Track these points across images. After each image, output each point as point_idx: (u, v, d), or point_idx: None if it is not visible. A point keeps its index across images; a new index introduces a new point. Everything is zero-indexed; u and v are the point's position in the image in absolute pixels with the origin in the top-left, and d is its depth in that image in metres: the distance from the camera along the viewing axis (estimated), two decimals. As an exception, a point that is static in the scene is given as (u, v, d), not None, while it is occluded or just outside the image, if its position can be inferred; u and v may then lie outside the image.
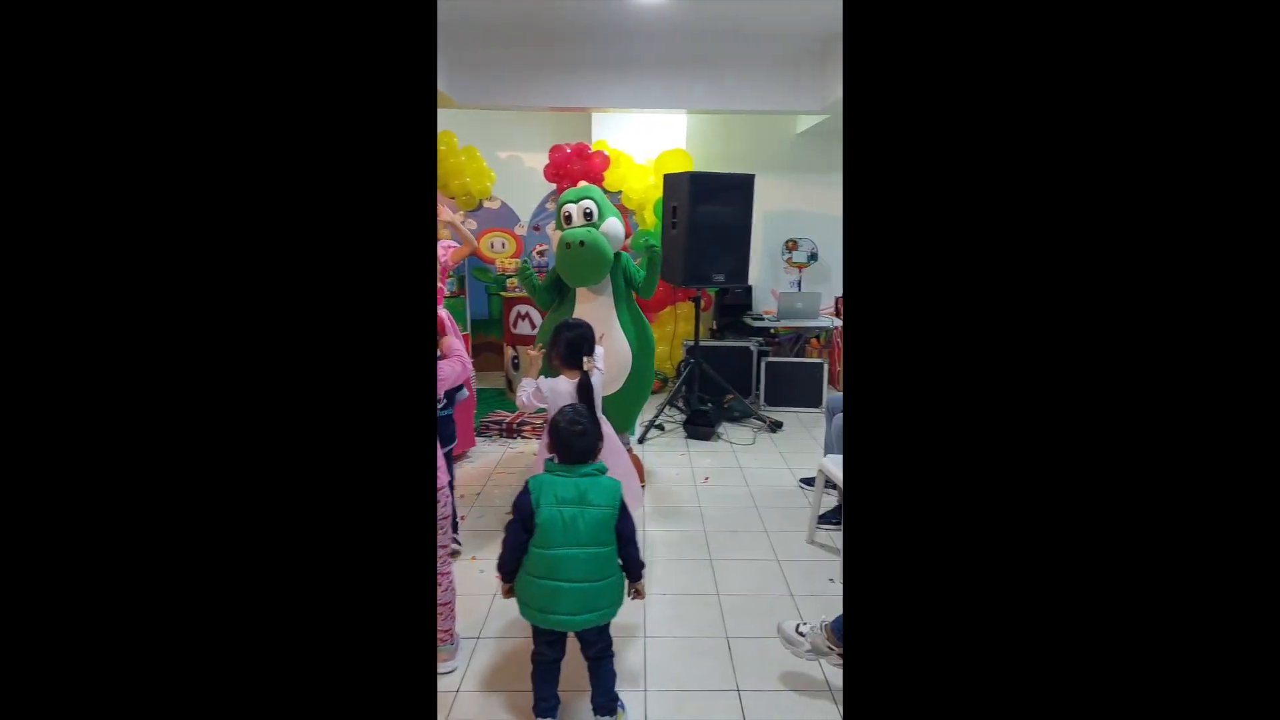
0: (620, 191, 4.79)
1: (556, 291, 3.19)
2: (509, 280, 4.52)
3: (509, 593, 1.78)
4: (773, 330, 5.24)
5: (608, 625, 1.79)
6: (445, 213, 2.90)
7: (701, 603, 2.43)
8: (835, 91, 4.20)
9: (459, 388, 2.58)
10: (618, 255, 3.13)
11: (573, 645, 1.80)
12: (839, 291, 5.50)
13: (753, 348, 4.80)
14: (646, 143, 4.99)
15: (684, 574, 2.62)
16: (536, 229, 4.90)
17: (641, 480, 3.29)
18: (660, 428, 4.31)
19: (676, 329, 4.91)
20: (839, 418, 2.96)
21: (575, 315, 2.84)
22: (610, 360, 2.87)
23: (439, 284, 2.79)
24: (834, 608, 2.01)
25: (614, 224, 3.04)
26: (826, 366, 4.79)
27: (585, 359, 2.35)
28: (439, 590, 1.96)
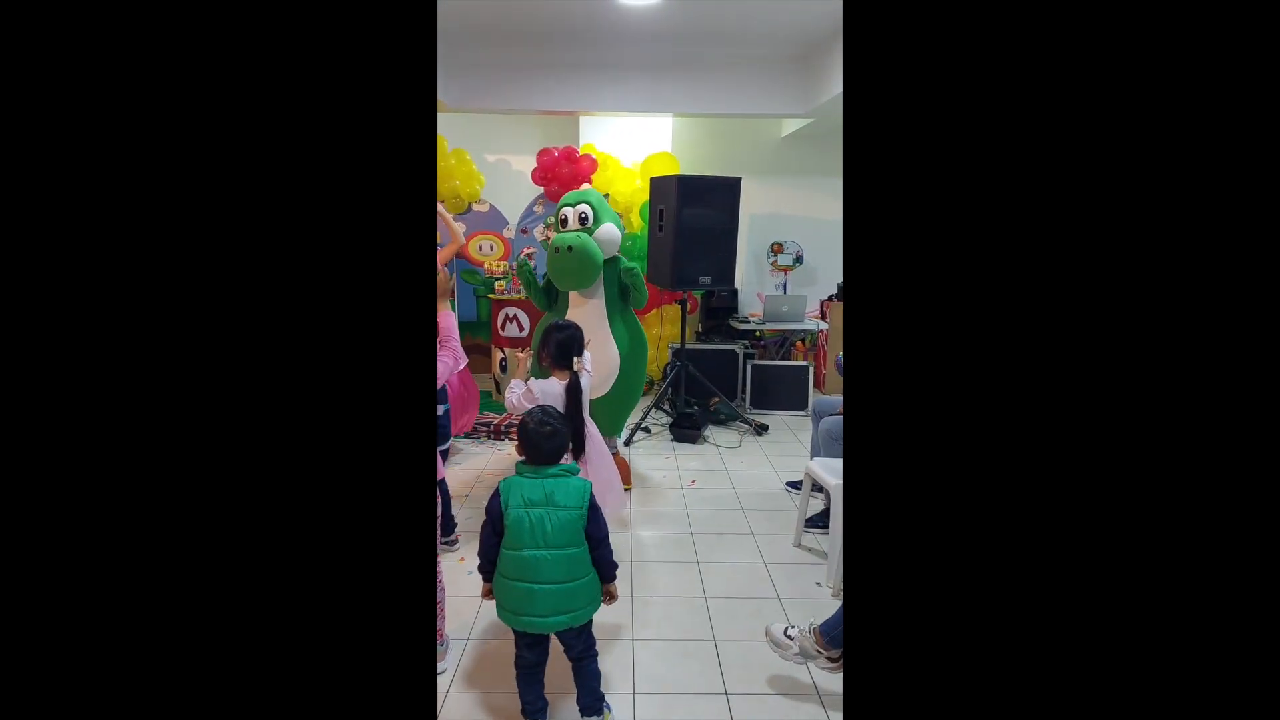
0: (608, 195, 4.80)
1: (552, 293, 3.21)
2: (497, 283, 4.52)
3: (488, 593, 1.78)
4: (758, 333, 5.26)
5: (587, 626, 1.78)
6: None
7: (688, 605, 2.44)
8: (821, 95, 4.23)
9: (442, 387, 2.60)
10: (615, 259, 3.13)
11: (556, 647, 1.79)
12: (824, 294, 5.53)
13: (739, 350, 4.81)
14: (633, 146, 5.00)
15: (670, 576, 2.63)
16: (524, 232, 4.90)
17: (628, 483, 3.30)
18: (646, 430, 4.32)
19: (663, 331, 4.92)
20: (825, 421, 2.98)
21: (567, 318, 2.84)
22: (598, 364, 2.87)
23: (448, 287, 2.80)
24: (821, 611, 2.02)
25: (610, 229, 3.03)
26: (812, 369, 4.81)
27: (575, 360, 2.35)
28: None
